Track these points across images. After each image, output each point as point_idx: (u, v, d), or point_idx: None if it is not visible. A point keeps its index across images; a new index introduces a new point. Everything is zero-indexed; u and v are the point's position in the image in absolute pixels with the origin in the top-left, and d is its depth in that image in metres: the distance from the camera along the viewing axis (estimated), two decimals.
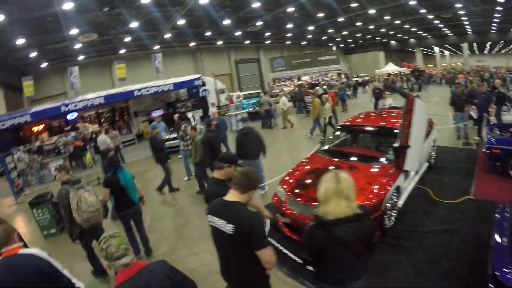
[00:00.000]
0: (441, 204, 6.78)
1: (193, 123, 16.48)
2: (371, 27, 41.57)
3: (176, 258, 6.15)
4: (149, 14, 24.77)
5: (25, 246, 3.86)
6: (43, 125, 18.37)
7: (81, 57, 32.23)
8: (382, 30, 45.57)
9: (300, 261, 5.04)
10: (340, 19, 34.63)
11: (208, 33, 34.56)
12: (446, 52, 67.65)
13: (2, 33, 19.50)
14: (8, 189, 13.37)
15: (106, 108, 18.91)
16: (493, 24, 39.88)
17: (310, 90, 24.08)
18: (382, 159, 6.70)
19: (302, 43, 49.81)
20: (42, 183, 14.79)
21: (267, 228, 3.27)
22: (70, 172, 5.75)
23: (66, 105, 16.00)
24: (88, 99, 16.36)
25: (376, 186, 5.76)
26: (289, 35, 41.88)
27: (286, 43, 47.70)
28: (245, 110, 19.63)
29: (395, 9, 33.22)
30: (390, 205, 5.87)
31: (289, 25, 35.63)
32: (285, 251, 5.69)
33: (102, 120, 19.20)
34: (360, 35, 49.35)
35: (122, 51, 33.93)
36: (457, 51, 62.29)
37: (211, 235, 3.18)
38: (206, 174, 9.31)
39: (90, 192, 5.42)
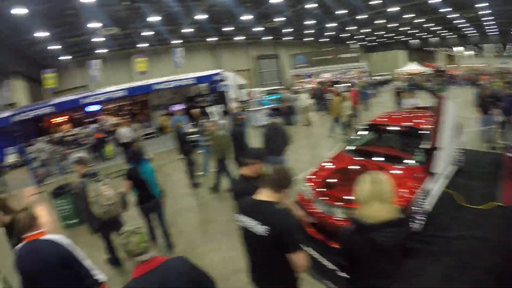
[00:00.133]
0: (468, 209, 6.51)
1: (212, 118, 16.47)
2: (392, 25, 40.83)
3: (197, 254, 6.06)
4: (169, 8, 24.84)
5: None
6: (64, 117, 18.53)
7: (101, 51, 32.56)
8: (403, 28, 44.79)
9: (326, 263, 4.90)
10: (361, 17, 34.11)
11: (227, 29, 34.55)
12: (468, 53, 66.26)
13: (24, 26, 19.87)
14: (30, 178, 13.70)
15: (126, 101, 18.91)
16: None
17: (331, 88, 23.83)
18: (410, 161, 6.45)
19: (322, 40, 49.30)
20: (63, 173, 14.94)
21: None
22: (88, 165, 5.80)
23: (88, 97, 16.09)
24: (109, 92, 16.42)
25: (404, 189, 5.53)
26: (308, 31, 41.54)
27: (306, 39, 47.29)
28: (266, 106, 19.51)
29: (416, 7, 32.61)
30: (417, 208, 5.65)
31: (309, 22, 35.24)
32: (312, 252, 5.52)
33: (123, 113, 19.27)
34: (380, 33, 48.60)
35: (142, 45, 34.12)
36: (479, 52, 60.95)
37: (241, 236, 3.09)
38: (228, 171, 9.14)
39: (108, 185, 5.47)
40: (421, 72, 41.37)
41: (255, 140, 9.01)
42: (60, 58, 31.18)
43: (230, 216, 7.35)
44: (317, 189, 6.10)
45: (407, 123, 7.64)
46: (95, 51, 32.69)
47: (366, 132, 8.20)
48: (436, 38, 54.04)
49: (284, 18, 32.36)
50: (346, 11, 31.99)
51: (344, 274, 2.88)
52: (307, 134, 15.76)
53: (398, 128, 7.75)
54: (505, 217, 6.08)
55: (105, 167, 14.31)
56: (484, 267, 4.72)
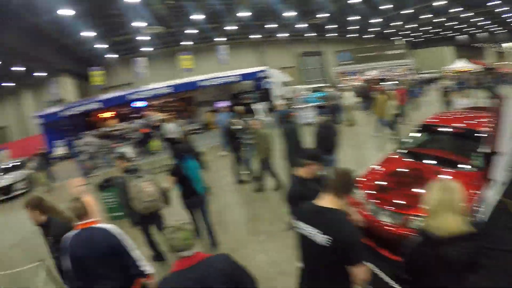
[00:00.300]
0: None
1: (258, 116, 16.24)
2: (439, 20, 39.28)
3: (242, 254, 5.73)
4: (212, 6, 24.90)
5: None
6: (111, 112, 18.88)
7: (146, 49, 33.19)
8: (450, 23, 43.09)
9: (377, 271, 4.48)
10: (406, 11, 33.03)
11: (271, 26, 34.34)
12: None
13: (72, 26, 20.71)
14: (77, 170, 14.27)
15: (172, 97, 19.07)
16: None
17: (376, 86, 23.09)
18: (466, 165, 5.80)
19: (366, 36, 48.12)
20: (109, 167, 15.16)
21: None
22: (130, 161, 6.02)
23: (134, 93, 16.32)
24: (155, 88, 16.61)
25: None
26: (353, 27, 40.65)
27: (349, 36, 46.30)
28: (312, 104, 19.11)
29: (464, 0, 31.19)
30: (474, 219, 5.02)
31: (353, 17, 34.46)
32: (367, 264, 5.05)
33: (168, 109, 19.45)
34: (426, 28, 47.00)
35: (186, 42, 34.50)
36: None
37: (298, 243, 2.90)
38: (272, 170, 8.78)
39: (149, 181, 5.57)
40: (469, 70, 39.40)
41: (303, 138, 8.63)
42: (106, 56, 32.14)
43: (276, 216, 7.20)
44: (368, 192, 5.64)
45: (463, 125, 6.96)
46: (140, 49, 33.35)
47: (419, 134, 7.53)
48: (485, 34, 51.64)
49: (328, 14, 31.78)
50: (391, 6, 31.08)
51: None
52: (352, 134, 15.16)
53: (453, 130, 7.02)
54: None
55: (150, 161, 14.37)
56: None
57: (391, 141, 11.44)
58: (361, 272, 2.56)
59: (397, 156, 6.79)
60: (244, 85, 19.93)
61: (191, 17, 25.42)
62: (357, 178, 6.16)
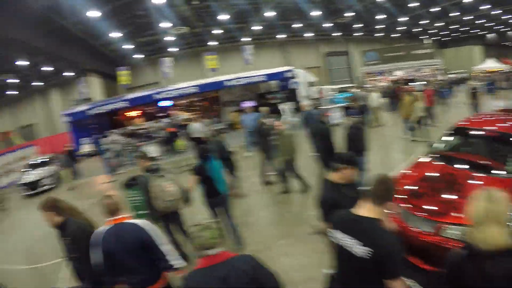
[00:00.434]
0: None
1: (284, 116, 16.07)
2: (467, 17, 38.10)
3: (267, 257, 5.49)
4: (237, 6, 24.90)
5: None
6: (137, 111, 19.06)
7: (172, 49, 33.53)
8: (479, 21, 41.81)
9: (410, 283, 4.22)
10: (434, 9, 32.30)
11: (296, 25, 34.15)
12: None
13: (99, 27, 21.13)
14: (103, 167, 14.58)
15: (198, 97, 19.11)
16: None
17: (404, 86, 22.57)
18: (501, 171, 5.39)
19: (393, 35, 47.18)
20: (134, 165, 15.26)
21: None
22: (151, 160, 6.16)
23: (160, 93, 16.41)
24: (181, 88, 16.66)
25: None
26: (379, 27, 39.94)
27: (376, 35, 45.53)
28: (339, 105, 18.83)
29: None
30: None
31: (380, 16, 33.82)
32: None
33: (194, 109, 19.51)
34: (455, 27, 45.67)
35: (212, 43, 34.74)
36: None
37: (333, 254, 2.78)
38: (296, 173, 8.58)
39: (171, 181, 5.63)
40: (500, 70, 38.11)
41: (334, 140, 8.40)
42: (133, 56, 32.60)
43: (302, 219, 7.09)
44: (399, 198, 5.31)
45: (498, 128, 6.54)
46: (166, 50, 33.72)
47: (451, 137, 7.13)
48: None
49: (354, 13, 31.36)
50: (418, 4, 30.45)
51: None
52: (379, 136, 14.79)
53: (488, 133, 6.58)
54: None
55: (175, 160, 14.44)
56: None
57: (419, 144, 11.06)
58: (398, 286, 2.42)
59: (428, 160, 6.46)
60: (270, 85, 19.79)
61: (217, 17, 25.50)
62: None
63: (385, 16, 33.89)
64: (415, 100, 12.99)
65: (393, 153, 11.66)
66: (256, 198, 9.09)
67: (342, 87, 24.82)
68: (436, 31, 47.99)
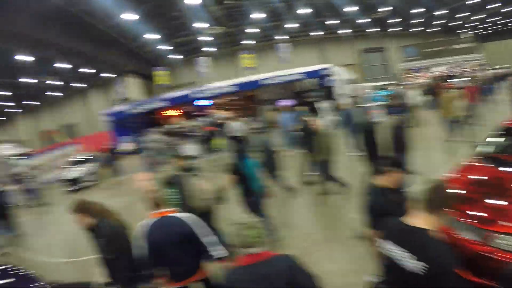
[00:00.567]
0: None
1: (322, 115, 15.89)
2: (508, 9, 36.44)
3: (307, 260, 5.46)
4: (272, 4, 24.85)
5: None
6: (175, 110, 19.37)
7: (208, 49, 33.87)
8: None
9: None
10: (473, 1, 31.30)
11: (332, 22, 33.74)
12: None
13: (136, 29, 21.88)
14: (143, 165, 14.96)
15: (235, 96, 19.20)
16: None
17: (444, 83, 21.84)
18: None
19: (431, 30, 45.57)
20: (171, 163, 15.53)
21: None
22: (186, 159, 6.20)
23: (198, 92, 16.60)
24: (218, 87, 16.80)
25: None
26: (416, 21, 38.75)
27: (413, 30, 44.14)
28: (378, 103, 18.46)
29: None
30: None
31: (417, 10, 32.89)
32: None
33: (232, 107, 19.62)
34: (495, 19, 43.75)
35: (247, 42, 34.83)
36: None
37: (383, 266, 2.56)
38: (332, 174, 8.30)
39: (205, 180, 5.73)
40: None
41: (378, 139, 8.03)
42: (169, 56, 33.11)
43: (343, 222, 6.84)
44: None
45: None
46: (202, 49, 34.07)
47: (501, 138, 6.63)
48: None
49: (390, 8, 30.66)
50: None
51: None
52: (418, 136, 14.17)
53: None
54: None
55: (213, 159, 14.54)
56: None
57: (461, 145, 10.54)
58: None
59: (476, 163, 6.07)
60: (307, 83, 19.61)
61: (252, 16, 25.54)
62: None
63: (422, 9, 32.88)
64: (456, 97, 12.38)
65: (434, 155, 10.92)
66: (296, 199, 8.86)
67: (382, 85, 24.32)
68: (476, 24, 46.05)
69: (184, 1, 19.89)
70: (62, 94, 36.69)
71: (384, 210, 2.88)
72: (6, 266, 4.83)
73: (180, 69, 36.01)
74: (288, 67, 22.15)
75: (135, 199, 9.64)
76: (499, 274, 3.28)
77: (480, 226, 4.29)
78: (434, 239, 2.26)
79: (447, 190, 2.44)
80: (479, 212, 4.53)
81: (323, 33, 38.06)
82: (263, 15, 25.73)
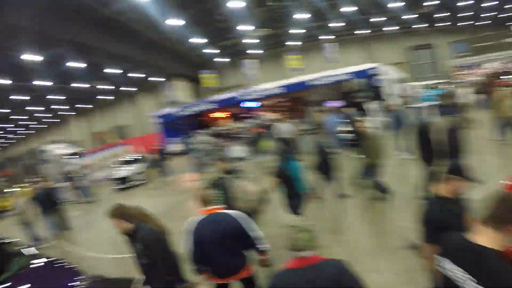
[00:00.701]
0: None
1: (370, 116, 15.58)
2: None
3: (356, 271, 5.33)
4: (316, 4, 24.64)
5: None
6: (223, 112, 19.67)
7: (253, 51, 34.07)
8: None
9: None
10: None
11: (377, 19, 32.90)
12: None
13: (183, 33, 22.58)
14: (191, 166, 15.34)
15: (283, 97, 19.20)
16: None
17: (498, 80, 20.70)
18: None
19: (480, 23, 42.84)
20: (216, 165, 15.76)
21: None
22: (231, 161, 6.51)
23: (246, 94, 16.73)
24: (266, 89, 16.86)
25: None
26: (465, 14, 36.52)
27: (461, 24, 41.44)
28: (430, 102, 17.85)
29: None
30: None
31: (465, 2, 31.38)
32: None
33: (279, 109, 19.62)
34: None
35: (292, 42, 34.72)
36: None
37: (440, 283, 2.22)
38: (379, 178, 7.97)
39: (250, 181, 5.80)
40: None
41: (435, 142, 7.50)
42: (215, 59, 33.67)
43: (393, 231, 6.54)
44: None
45: None
46: (248, 52, 34.31)
47: None
48: None
49: (437, 1, 29.62)
50: None
51: None
52: (471, 137, 13.25)
53: None
54: None
55: (259, 161, 14.52)
56: None
57: None
58: None
59: None
60: (355, 84, 19.22)
61: (296, 16, 25.46)
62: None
63: (471, 1, 31.32)
64: (509, 96, 11.51)
65: (489, 159, 9.97)
66: (346, 203, 8.57)
67: (433, 83, 23.43)
68: None
69: (228, 5, 20.15)
70: (113, 97, 38.13)
71: (443, 222, 2.68)
72: (51, 259, 5.00)
73: (227, 72, 36.55)
74: (335, 67, 21.87)
75: (182, 199, 9.96)
76: None
77: None
78: (501, 262, 1.91)
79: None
80: None
81: (369, 31, 37.16)
82: (307, 15, 25.54)
